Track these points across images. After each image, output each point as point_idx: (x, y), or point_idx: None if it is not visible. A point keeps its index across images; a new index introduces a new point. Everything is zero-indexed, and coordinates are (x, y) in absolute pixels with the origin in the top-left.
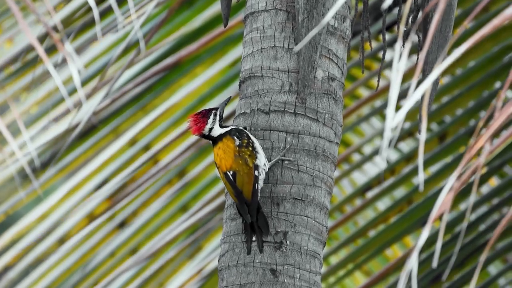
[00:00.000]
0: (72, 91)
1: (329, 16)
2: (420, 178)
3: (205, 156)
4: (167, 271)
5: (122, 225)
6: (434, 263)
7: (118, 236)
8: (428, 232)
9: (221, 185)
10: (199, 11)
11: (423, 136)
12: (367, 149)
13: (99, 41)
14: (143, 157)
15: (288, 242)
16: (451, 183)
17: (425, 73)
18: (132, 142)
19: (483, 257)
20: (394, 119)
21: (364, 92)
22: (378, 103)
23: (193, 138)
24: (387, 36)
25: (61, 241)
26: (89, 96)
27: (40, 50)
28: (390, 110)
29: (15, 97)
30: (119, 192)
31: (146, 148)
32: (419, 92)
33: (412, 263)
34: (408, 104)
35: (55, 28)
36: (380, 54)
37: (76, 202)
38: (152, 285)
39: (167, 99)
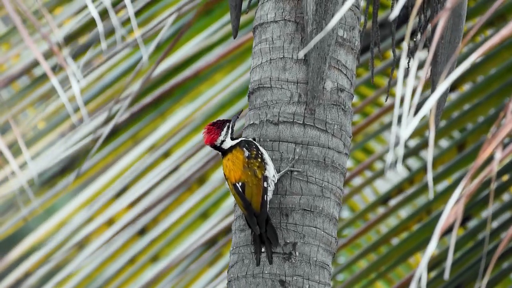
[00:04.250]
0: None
1: (334, 20)
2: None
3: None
4: (187, 278)
5: (142, 232)
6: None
7: (139, 242)
8: (435, 245)
9: None
10: (217, 18)
11: (430, 155)
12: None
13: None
14: (163, 164)
15: (297, 253)
16: (457, 193)
17: (434, 84)
18: (151, 148)
19: (488, 268)
20: (405, 132)
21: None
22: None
23: None
24: (398, 51)
25: (80, 247)
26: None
27: (45, 66)
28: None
29: (24, 111)
30: (139, 199)
31: (166, 155)
32: (426, 108)
33: (421, 270)
34: (414, 121)
35: (65, 42)
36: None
37: (96, 209)
38: None
39: (186, 106)
